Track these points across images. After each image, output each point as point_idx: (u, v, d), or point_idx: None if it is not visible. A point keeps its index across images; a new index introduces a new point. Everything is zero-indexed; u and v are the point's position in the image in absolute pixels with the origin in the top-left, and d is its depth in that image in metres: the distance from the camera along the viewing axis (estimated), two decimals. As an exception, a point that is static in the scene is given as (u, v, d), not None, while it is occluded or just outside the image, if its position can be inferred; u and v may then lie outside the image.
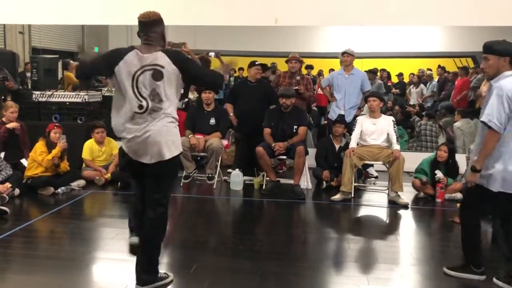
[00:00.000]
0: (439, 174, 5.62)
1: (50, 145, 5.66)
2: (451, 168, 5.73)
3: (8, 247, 4.07)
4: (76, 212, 5.15)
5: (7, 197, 5.14)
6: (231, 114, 6.37)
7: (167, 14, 6.69)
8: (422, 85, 11.58)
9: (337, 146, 6.19)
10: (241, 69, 13.83)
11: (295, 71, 6.41)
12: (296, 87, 6.24)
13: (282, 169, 6.89)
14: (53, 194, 5.57)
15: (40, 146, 5.66)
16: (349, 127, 6.26)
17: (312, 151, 6.60)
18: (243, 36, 13.49)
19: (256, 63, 6.40)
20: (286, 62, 6.50)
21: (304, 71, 9.31)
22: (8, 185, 5.25)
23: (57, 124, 5.90)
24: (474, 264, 3.46)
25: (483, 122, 3.20)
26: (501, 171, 3.20)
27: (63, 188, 5.65)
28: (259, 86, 6.33)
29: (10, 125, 5.83)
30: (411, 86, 12.04)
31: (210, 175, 6.03)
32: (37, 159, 5.59)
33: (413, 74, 13.24)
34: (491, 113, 3.14)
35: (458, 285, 3.44)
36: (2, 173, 5.38)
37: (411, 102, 11.60)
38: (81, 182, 5.97)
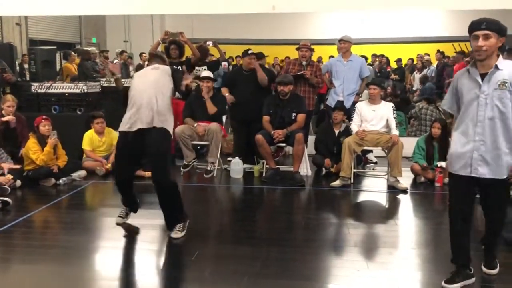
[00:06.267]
0: (442, 164, 5.64)
1: (42, 139, 5.61)
2: (444, 145, 5.76)
3: (11, 237, 4.11)
4: (77, 202, 5.19)
5: (9, 188, 5.18)
6: (227, 94, 6.36)
7: (164, 3, 6.71)
8: (425, 70, 11.57)
9: (336, 132, 6.21)
10: (238, 56, 13.78)
11: (306, 60, 6.31)
12: (301, 72, 6.23)
13: (278, 156, 6.89)
14: (55, 185, 5.60)
15: (32, 144, 5.58)
16: (348, 113, 6.27)
17: (312, 138, 6.62)
18: (241, 24, 13.46)
19: (249, 51, 6.37)
20: (297, 49, 6.44)
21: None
22: (9, 176, 5.28)
23: (44, 116, 5.78)
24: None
25: None
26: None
27: (64, 179, 5.68)
28: (253, 74, 6.30)
29: (6, 118, 5.81)
30: (415, 72, 12.01)
31: (208, 169, 6.04)
32: (32, 158, 5.56)
33: (412, 60, 13.22)
34: None
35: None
36: (3, 165, 5.40)
37: (415, 88, 11.59)
38: (82, 173, 5.99)
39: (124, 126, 3.92)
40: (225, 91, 6.46)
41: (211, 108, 6.12)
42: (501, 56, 2.96)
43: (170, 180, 3.93)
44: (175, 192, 3.96)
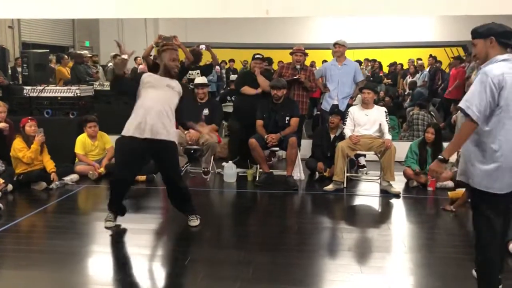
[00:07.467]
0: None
1: (27, 140, 5.57)
2: (437, 149, 5.79)
3: (2, 242, 4.07)
4: (69, 207, 5.15)
5: (0, 193, 5.13)
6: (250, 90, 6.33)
7: (158, 7, 6.72)
8: (418, 75, 11.62)
9: (332, 136, 6.22)
10: (231, 60, 13.81)
11: (300, 64, 6.33)
12: (296, 76, 6.25)
13: (271, 160, 6.87)
14: (46, 189, 5.56)
15: (18, 143, 5.54)
16: (343, 116, 6.29)
17: (305, 142, 6.64)
18: (234, 28, 13.49)
19: (256, 56, 6.43)
20: (291, 54, 6.46)
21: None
22: (0, 180, 5.24)
23: (30, 117, 5.75)
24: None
25: (460, 108, 2.82)
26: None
27: (57, 183, 5.64)
28: None
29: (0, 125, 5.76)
30: (407, 76, 12.07)
31: (205, 169, 6.05)
32: (18, 156, 5.52)
33: (401, 65, 13.34)
34: (470, 99, 2.77)
35: (450, 272, 3.48)
36: (-6, 169, 5.36)
37: (407, 92, 11.64)
38: (74, 177, 5.96)
39: (131, 131, 4.04)
40: (248, 89, 6.36)
41: (210, 129, 6.17)
42: (495, 55, 2.82)
43: (184, 182, 4.45)
44: (188, 191, 4.41)
